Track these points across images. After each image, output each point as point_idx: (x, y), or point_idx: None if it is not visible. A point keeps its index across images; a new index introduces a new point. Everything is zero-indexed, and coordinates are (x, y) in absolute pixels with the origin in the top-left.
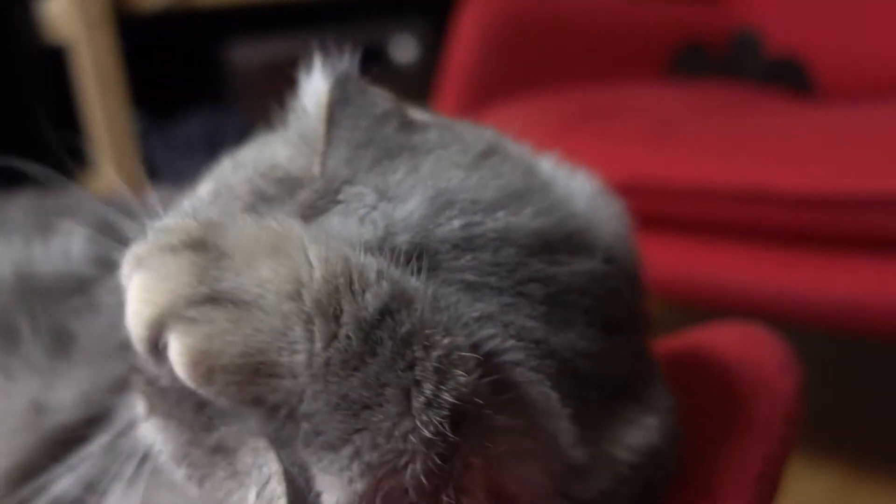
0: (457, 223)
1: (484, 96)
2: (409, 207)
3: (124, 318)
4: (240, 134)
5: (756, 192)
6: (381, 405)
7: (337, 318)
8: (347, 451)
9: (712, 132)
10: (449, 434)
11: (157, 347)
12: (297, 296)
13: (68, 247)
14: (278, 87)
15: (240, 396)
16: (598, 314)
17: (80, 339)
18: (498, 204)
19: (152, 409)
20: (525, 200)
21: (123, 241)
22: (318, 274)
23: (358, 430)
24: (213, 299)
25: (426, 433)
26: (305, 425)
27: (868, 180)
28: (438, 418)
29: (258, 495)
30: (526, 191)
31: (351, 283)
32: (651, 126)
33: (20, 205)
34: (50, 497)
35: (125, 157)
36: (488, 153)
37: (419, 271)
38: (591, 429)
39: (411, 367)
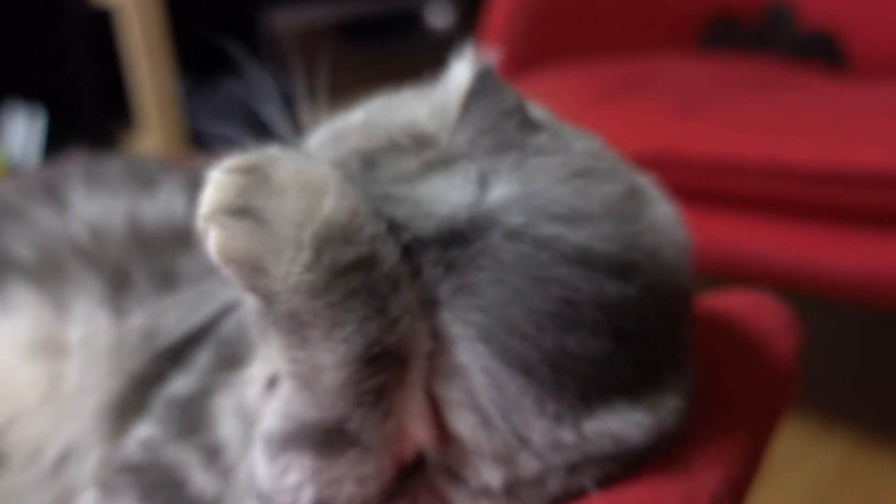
0: (520, 220)
1: (517, 67)
2: (494, 195)
3: None
4: (276, 98)
5: (776, 168)
6: (315, 327)
7: (319, 255)
8: (288, 341)
9: (738, 107)
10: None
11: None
12: (300, 227)
13: (172, 200)
14: (315, 52)
15: (242, 282)
16: (607, 327)
17: (182, 276)
18: (564, 217)
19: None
20: (592, 222)
21: None
22: (323, 217)
23: (298, 336)
24: (243, 211)
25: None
26: (273, 316)
27: (890, 158)
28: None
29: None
30: (600, 215)
31: (344, 233)
32: (678, 100)
33: (116, 165)
34: (167, 395)
35: (169, 118)
36: (583, 173)
37: (458, 246)
38: (561, 408)
39: (351, 312)
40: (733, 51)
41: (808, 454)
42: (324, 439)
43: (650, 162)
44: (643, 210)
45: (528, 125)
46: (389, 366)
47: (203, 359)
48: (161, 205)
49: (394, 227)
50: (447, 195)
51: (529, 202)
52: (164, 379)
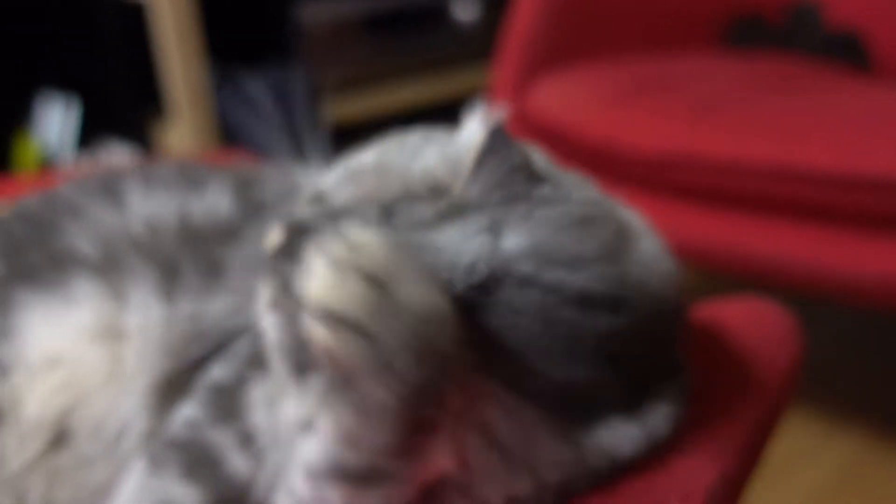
0: (529, 268)
1: (541, 64)
2: (506, 245)
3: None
4: (305, 91)
5: (788, 172)
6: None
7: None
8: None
9: (754, 109)
10: None
11: None
12: (411, 352)
13: (217, 199)
14: (342, 45)
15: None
16: (604, 355)
17: (228, 269)
18: (566, 263)
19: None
20: (589, 266)
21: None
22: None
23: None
24: (360, 329)
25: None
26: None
27: None
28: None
29: None
30: (596, 258)
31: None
32: (695, 101)
33: (168, 167)
34: (208, 380)
35: (199, 109)
36: (581, 221)
37: (482, 292)
38: (565, 428)
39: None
40: (757, 50)
41: (816, 452)
42: (362, 477)
43: (665, 162)
44: (630, 247)
45: (534, 178)
46: (428, 425)
47: (242, 350)
48: (208, 203)
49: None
50: (464, 244)
51: (537, 250)
52: (207, 364)
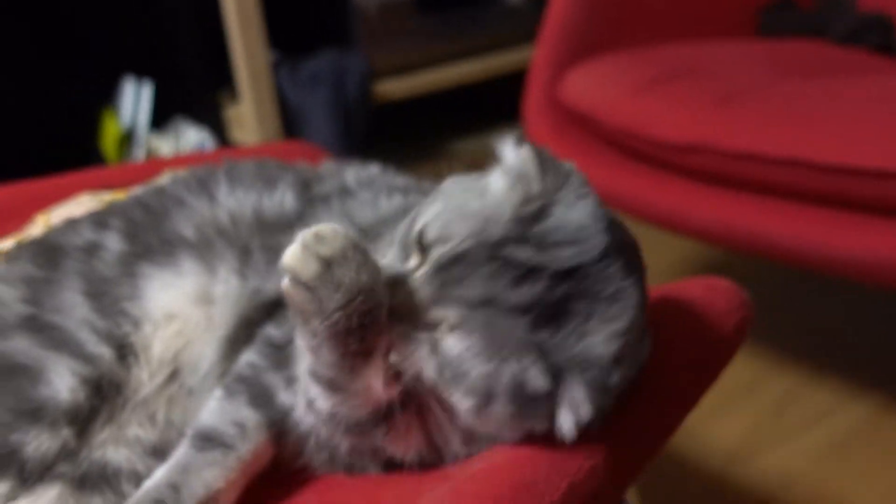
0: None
1: (576, 52)
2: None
3: None
4: (359, 73)
5: (799, 161)
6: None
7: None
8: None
9: (776, 98)
10: None
11: None
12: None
13: (283, 196)
14: (395, 29)
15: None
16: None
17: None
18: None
19: None
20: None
21: (315, 197)
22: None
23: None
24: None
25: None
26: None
27: None
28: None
29: None
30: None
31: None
32: (720, 90)
33: (249, 167)
34: (264, 336)
35: (263, 89)
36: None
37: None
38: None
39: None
40: (788, 36)
41: (832, 412)
42: (327, 383)
43: (686, 148)
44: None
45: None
46: (361, 357)
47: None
48: (276, 199)
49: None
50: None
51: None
52: (264, 325)
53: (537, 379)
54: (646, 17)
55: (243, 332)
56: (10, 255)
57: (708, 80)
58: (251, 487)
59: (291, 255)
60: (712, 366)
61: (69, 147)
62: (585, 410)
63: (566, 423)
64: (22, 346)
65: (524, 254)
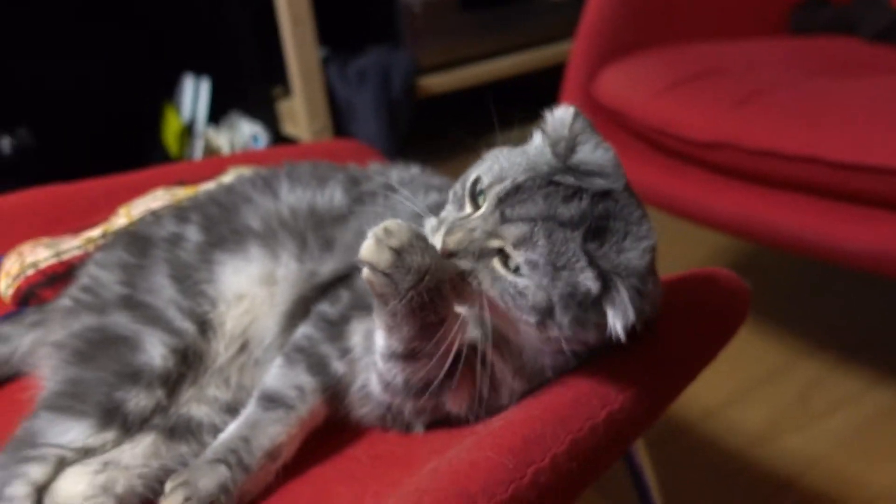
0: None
1: (610, 51)
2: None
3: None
4: (405, 69)
5: (814, 158)
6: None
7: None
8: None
9: (797, 97)
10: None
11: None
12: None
13: (333, 192)
14: (440, 26)
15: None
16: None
17: (337, 242)
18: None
19: None
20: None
21: (363, 194)
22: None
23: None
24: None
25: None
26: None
27: None
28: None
29: None
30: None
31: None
32: (743, 89)
33: (306, 168)
34: (319, 312)
35: (314, 84)
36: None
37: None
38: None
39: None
40: (820, 33)
41: (854, 400)
42: (404, 356)
43: (710, 145)
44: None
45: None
46: (435, 326)
47: (345, 297)
48: (327, 195)
49: None
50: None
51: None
52: (318, 303)
53: (588, 281)
54: (679, 16)
55: (300, 309)
56: (105, 245)
57: (733, 79)
58: (308, 441)
59: (367, 249)
60: (711, 342)
61: (136, 139)
62: (630, 313)
63: (617, 323)
64: (122, 321)
65: (568, 179)
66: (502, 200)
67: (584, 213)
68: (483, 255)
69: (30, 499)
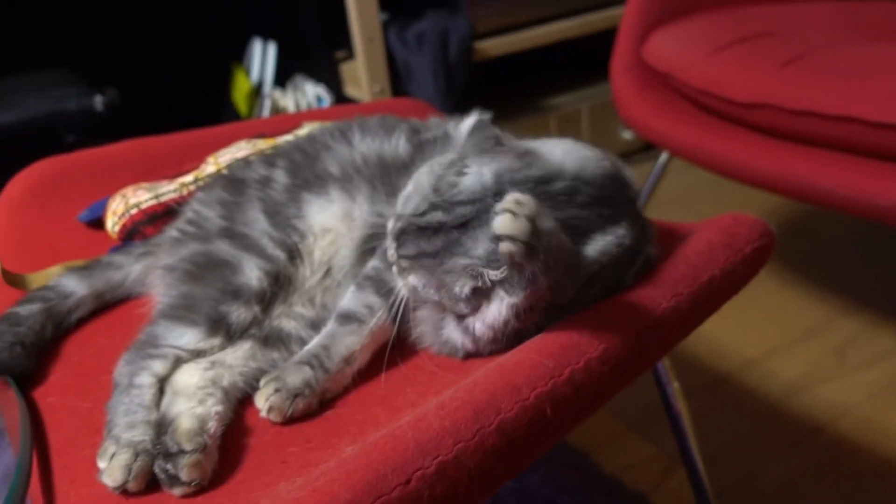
0: (507, 178)
1: (659, 16)
2: (485, 174)
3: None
4: (462, 33)
5: (852, 118)
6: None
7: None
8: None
9: (838, 59)
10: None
11: None
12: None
13: (399, 143)
14: None
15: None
16: (571, 202)
17: (400, 188)
18: (521, 170)
19: None
20: (532, 166)
21: (423, 142)
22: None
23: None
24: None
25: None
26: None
27: None
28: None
29: None
30: (531, 162)
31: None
32: (787, 52)
33: (375, 121)
34: (383, 248)
35: (374, 48)
36: (524, 154)
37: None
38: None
39: None
40: None
41: (889, 356)
42: (525, 311)
43: (752, 106)
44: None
45: (499, 142)
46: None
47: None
48: (394, 143)
49: None
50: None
51: (501, 174)
52: (384, 240)
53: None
54: None
55: (370, 244)
56: (205, 186)
57: (777, 42)
58: (379, 353)
59: (504, 223)
60: (738, 274)
61: (208, 99)
62: (510, 288)
63: (507, 298)
64: (224, 248)
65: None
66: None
67: (449, 241)
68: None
69: (154, 387)
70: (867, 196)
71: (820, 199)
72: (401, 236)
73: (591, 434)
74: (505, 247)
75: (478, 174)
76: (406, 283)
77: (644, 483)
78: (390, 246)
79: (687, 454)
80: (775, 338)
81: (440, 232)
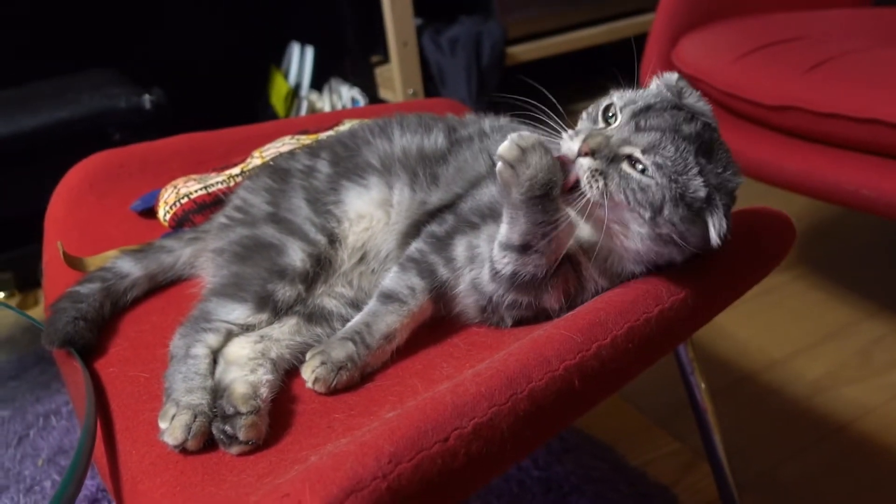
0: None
1: (689, 22)
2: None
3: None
4: (494, 39)
5: (876, 120)
6: (523, 211)
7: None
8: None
9: (863, 64)
10: None
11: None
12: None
13: (437, 137)
14: (529, 0)
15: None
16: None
17: (441, 178)
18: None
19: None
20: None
21: (460, 138)
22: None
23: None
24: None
25: None
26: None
27: None
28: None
29: None
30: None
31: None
32: (813, 57)
33: (413, 117)
34: (429, 231)
35: (408, 52)
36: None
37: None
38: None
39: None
40: None
41: None
42: (519, 248)
43: (779, 108)
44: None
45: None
46: (546, 225)
47: (450, 219)
48: (433, 139)
49: None
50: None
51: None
52: (427, 224)
53: (699, 188)
54: None
55: (412, 230)
56: (251, 176)
57: (803, 48)
58: (418, 332)
59: (503, 147)
60: (757, 265)
61: (248, 101)
62: (724, 223)
63: (713, 229)
64: (270, 232)
65: (687, 106)
66: (636, 115)
67: (699, 133)
68: (614, 159)
69: (208, 357)
70: (888, 196)
71: (844, 199)
72: (646, 111)
73: (618, 427)
74: (497, 167)
75: (705, 102)
76: (639, 163)
77: (667, 476)
78: (619, 125)
79: (711, 448)
80: (801, 339)
81: (694, 121)
